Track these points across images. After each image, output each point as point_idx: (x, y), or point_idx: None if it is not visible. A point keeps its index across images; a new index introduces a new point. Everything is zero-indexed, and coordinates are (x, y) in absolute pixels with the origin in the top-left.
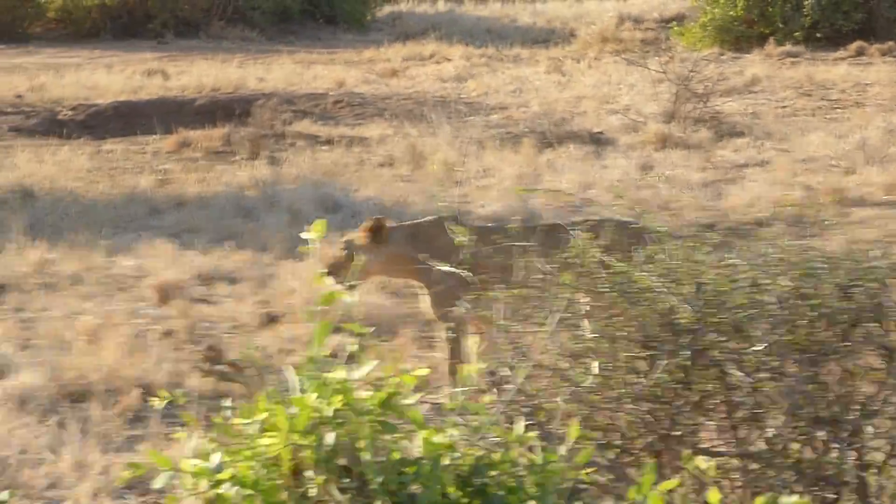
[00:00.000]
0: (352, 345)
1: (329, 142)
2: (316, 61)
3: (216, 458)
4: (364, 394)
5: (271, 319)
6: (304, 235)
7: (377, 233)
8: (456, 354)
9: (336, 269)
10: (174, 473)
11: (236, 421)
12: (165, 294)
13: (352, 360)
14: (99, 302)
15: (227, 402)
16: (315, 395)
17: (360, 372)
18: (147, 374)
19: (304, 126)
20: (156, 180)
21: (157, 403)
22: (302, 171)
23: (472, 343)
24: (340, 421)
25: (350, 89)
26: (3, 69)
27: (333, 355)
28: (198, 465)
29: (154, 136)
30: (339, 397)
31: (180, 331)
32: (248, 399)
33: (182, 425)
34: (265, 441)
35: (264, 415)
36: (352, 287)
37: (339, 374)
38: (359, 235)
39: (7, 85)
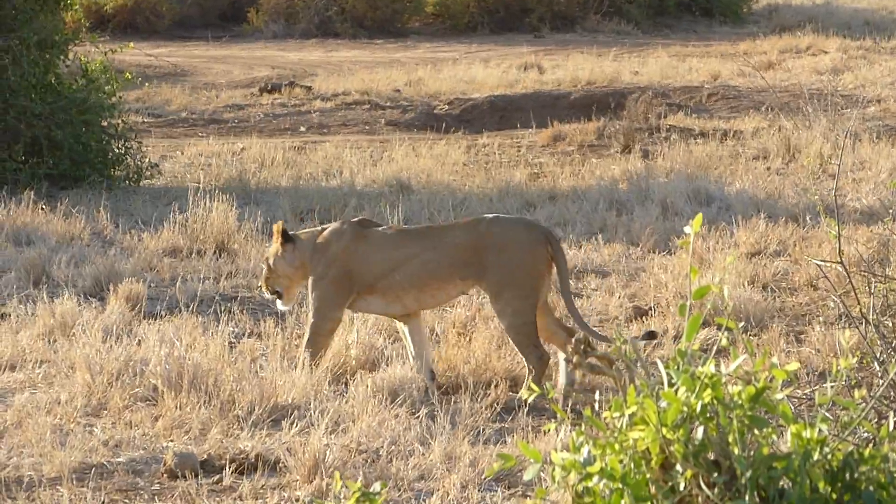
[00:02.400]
0: (721, 339)
1: (703, 135)
2: (691, 54)
3: (585, 451)
4: (734, 388)
5: (640, 313)
6: (686, 229)
7: (279, 236)
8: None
9: (268, 282)
10: (543, 466)
11: (606, 414)
12: None
13: (721, 354)
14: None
15: (597, 395)
16: (685, 389)
17: (730, 366)
18: (516, 366)
19: (678, 119)
20: (530, 174)
21: (527, 396)
22: (675, 164)
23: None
24: (710, 415)
25: (725, 82)
26: (382, 64)
27: (703, 349)
28: (567, 457)
29: (529, 130)
30: (709, 392)
31: None
32: (617, 392)
33: (551, 418)
34: (634, 435)
35: (634, 408)
36: (277, 294)
37: (708, 368)
38: (273, 245)
39: (385, 79)
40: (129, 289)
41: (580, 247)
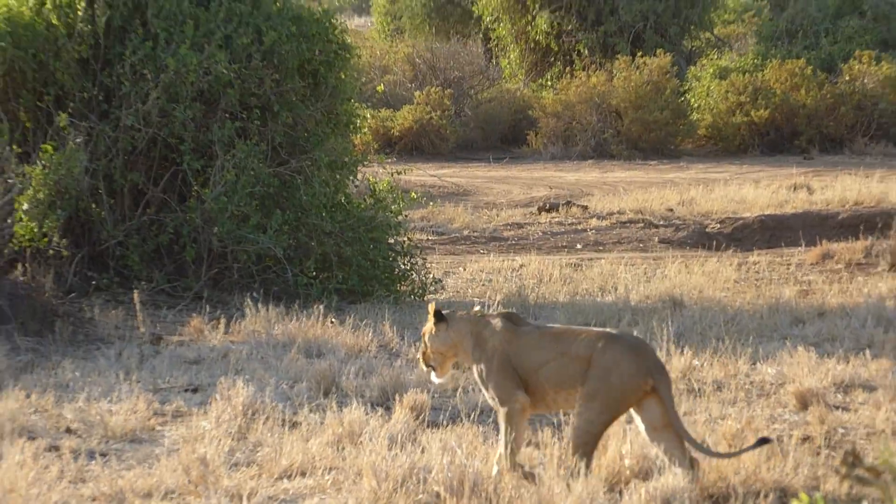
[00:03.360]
0: None
1: None
2: None
3: None
4: None
5: None
6: None
7: (435, 316)
8: (508, 440)
9: (424, 357)
10: None
11: None
12: (804, 401)
13: None
14: (740, 407)
15: None
16: None
17: None
18: (785, 477)
19: None
20: (799, 291)
21: None
22: None
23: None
24: None
25: None
26: (655, 184)
27: None
28: None
29: (798, 249)
30: None
31: (817, 437)
32: (885, 503)
33: None
34: None
35: None
36: (431, 368)
37: None
38: (427, 324)
39: (659, 199)
40: (414, 399)
41: (847, 362)
